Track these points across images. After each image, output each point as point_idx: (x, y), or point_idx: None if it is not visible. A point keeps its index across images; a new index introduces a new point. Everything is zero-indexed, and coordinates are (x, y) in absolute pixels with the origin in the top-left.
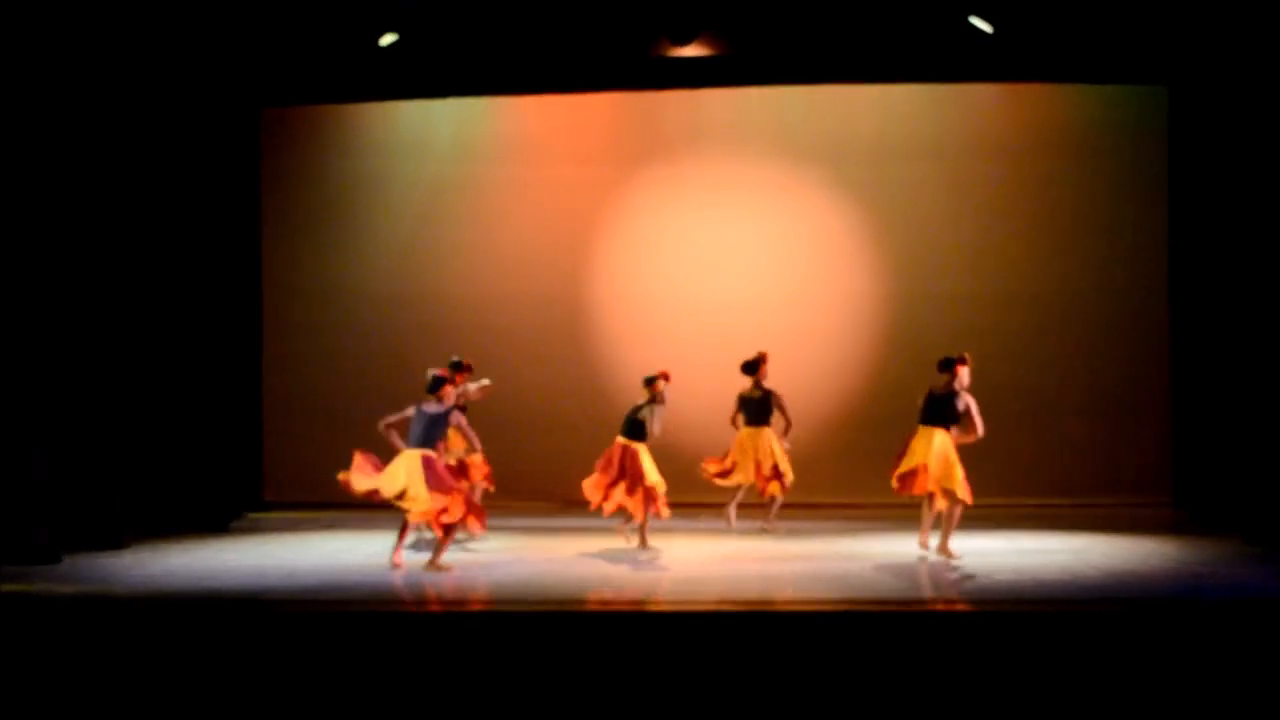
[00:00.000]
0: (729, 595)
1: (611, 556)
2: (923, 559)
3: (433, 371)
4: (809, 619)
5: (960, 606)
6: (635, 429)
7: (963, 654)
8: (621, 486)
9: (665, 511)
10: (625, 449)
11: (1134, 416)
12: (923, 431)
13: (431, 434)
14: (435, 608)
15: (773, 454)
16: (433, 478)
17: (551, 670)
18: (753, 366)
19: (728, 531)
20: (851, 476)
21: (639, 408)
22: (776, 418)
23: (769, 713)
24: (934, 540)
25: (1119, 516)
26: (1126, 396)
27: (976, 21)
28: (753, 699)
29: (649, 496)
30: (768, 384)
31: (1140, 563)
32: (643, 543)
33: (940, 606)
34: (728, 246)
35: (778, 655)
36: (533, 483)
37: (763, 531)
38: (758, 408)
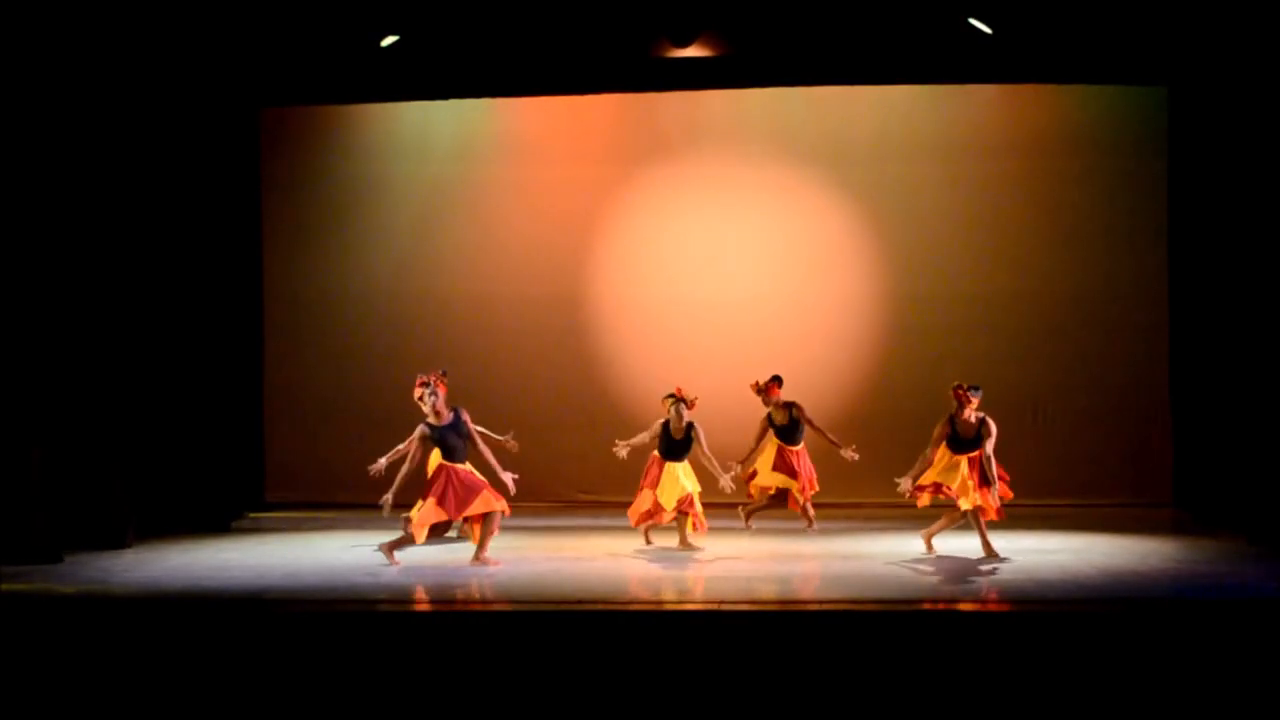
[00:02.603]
0: (729, 595)
1: (612, 557)
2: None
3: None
4: (810, 618)
5: (961, 606)
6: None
7: (963, 654)
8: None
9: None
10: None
11: (1134, 416)
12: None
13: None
14: (436, 608)
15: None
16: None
17: (553, 670)
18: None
19: (741, 532)
20: (852, 476)
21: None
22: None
23: (769, 713)
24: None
25: (1119, 516)
26: (1127, 396)
27: (976, 23)
28: (752, 699)
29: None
30: (785, 400)
31: (1140, 563)
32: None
33: (941, 606)
34: (728, 247)
35: (777, 655)
36: (534, 483)
37: (818, 533)
38: (789, 430)
